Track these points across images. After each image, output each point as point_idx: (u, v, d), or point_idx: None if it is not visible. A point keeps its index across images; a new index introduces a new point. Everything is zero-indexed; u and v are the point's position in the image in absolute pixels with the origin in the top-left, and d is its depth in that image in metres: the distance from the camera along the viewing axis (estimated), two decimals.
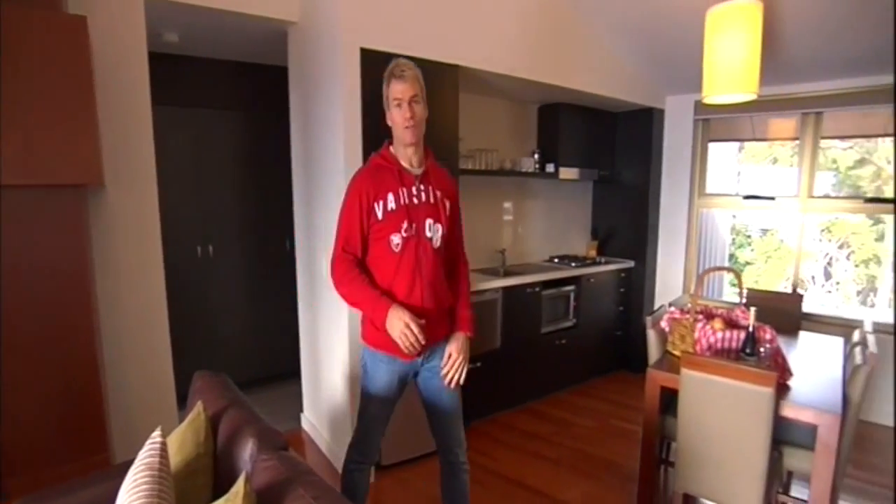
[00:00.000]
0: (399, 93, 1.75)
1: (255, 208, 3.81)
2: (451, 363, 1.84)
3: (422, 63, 2.66)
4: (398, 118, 1.75)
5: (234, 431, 1.45)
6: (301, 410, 3.39)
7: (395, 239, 1.77)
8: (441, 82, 2.81)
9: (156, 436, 1.26)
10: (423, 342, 1.71)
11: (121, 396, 2.33)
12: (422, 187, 1.82)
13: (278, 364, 3.93)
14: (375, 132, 2.58)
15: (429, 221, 1.81)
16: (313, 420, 3.23)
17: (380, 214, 1.77)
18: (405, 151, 1.81)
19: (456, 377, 1.85)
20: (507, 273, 3.63)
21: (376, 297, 1.73)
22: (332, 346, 2.82)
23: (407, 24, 2.65)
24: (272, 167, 3.73)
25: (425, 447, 2.99)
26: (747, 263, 8.47)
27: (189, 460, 1.41)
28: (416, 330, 1.68)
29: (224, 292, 3.74)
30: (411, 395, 2.81)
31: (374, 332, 1.83)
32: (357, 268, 1.79)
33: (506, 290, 3.41)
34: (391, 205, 1.77)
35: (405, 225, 1.77)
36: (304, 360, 3.30)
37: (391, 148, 1.86)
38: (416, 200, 1.80)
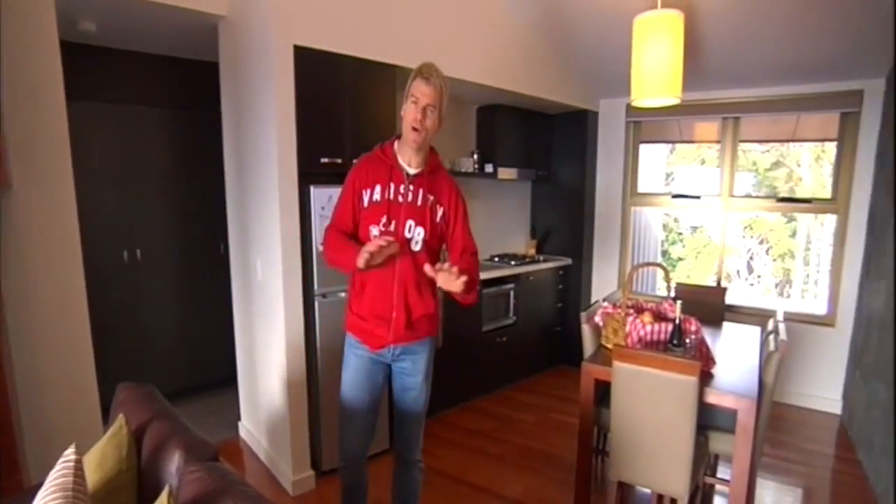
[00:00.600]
0: (419, 94, 1.76)
1: (186, 210, 3.64)
2: (451, 271, 1.69)
3: (358, 62, 2.67)
4: (409, 115, 1.77)
5: (160, 444, 1.38)
6: (238, 419, 3.28)
7: (374, 230, 1.80)
8: (378, 82, 2.80)
9: (69, 453, 1.18)
10: (384, 244, 1.65)
11: (37, 413, 2.16)
12: (410, 188, 1.83)
13: (213, 372, 3.77)
14: (310, 133, 2.54)
15: (410, 222, 1.82)
16: (251, 428, 3.12)
17: (365, 202, 1.82)
18: (407, 150, 1.83)
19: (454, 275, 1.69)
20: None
21: (351, 247, 1.74)
22: (270, 350, 2.74)
23: (343, 23, 2.61)
24: (205, 167, 3.57)
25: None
26: (679, 259, 8.92)
27: (110, 478, 1.33)
28: (380, 242, 1.64)
29: (154, 298, 3.55)
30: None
31: (349, 315, 1.91)
32: (342, 234, 1.83)
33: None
34: (376, 196, 1.81)
35: (384, 219, 1.80)
36: (240, 366, 3.19)
37: (396, 144, 1.88)
38: (400, 199, 1.82)
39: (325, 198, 2.60)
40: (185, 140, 3.59)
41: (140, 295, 3.48)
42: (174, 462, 1.30)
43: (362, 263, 1.65)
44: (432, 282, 1.83)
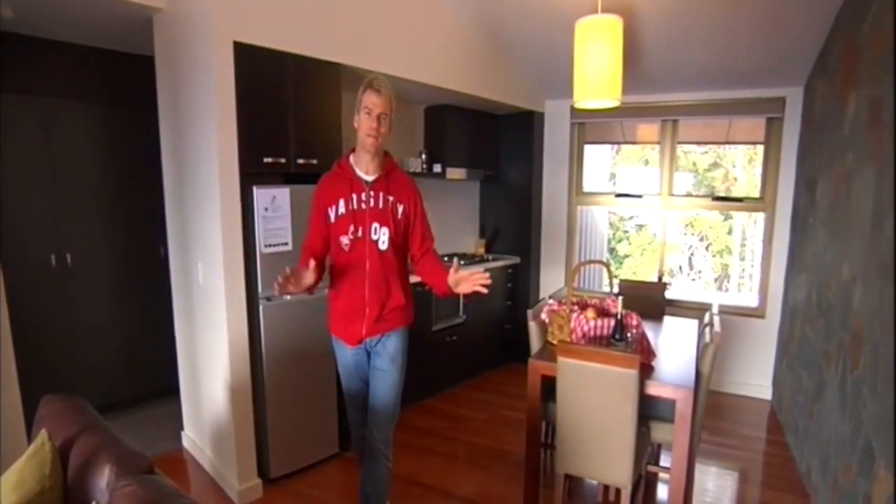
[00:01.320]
0: (371, 104, 1.90)
1: (123, 211, 3.46)
2: (476, 278, 1.90)
3: (302, 60, 2.62)
4: (365, 125, 1.91)
5: (88, 459, 1.31)
6: (181, 429, 3.15)
7: (344, 240, 1.99)
8: (323, 80, 2.75)
9: None
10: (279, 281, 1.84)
11: None
12: (371, 194, 1.99)
13: (154, 381, 3.61)
14: (252, 132, 2.47)
15: (375, 225, 1.99)
16: (195, 437, 3.01)
17: (332, 218, 2.00)
18: (364, 157, 1.98)
19: (474, 281, 1.91)
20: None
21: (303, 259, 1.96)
22: (213, 357, 2.64)
23: (285, 19, 2.55)
24: (143, 166, 3.39)
25: (318, 454, 2.92)
26: (626, 256, 9.23)
27: (30, 498, 1.25)
28: (281, 276, 1.83)
29: (87, 304, 3.35)
30: (291, 400, 2.74)
31: (331, 321, 2.13)
32: (304, 259, 2.00)
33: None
34: (341, 209, 1.98)
35: (351, 228, 1.98)
36: (182, 374, 3.06)
37: (352, 156, 2.03)
38: (363, 206, 1.98)
39: (268, 198, 2.54)
40: (120, 137, 3.40)
41: (71, 301, 3.28)
42: (104, 477, 1.24)
43: (276, 292, 1.88)
44: (402, 276, 2.08)
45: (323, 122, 2.78)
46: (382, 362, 2.09)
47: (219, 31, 2.31)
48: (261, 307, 2.57)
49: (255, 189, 2.50)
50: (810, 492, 2.66)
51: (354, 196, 1.98)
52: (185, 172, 2.69)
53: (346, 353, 2.12)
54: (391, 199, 2.01)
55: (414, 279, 2.29)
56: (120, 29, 2.85)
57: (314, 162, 2.74)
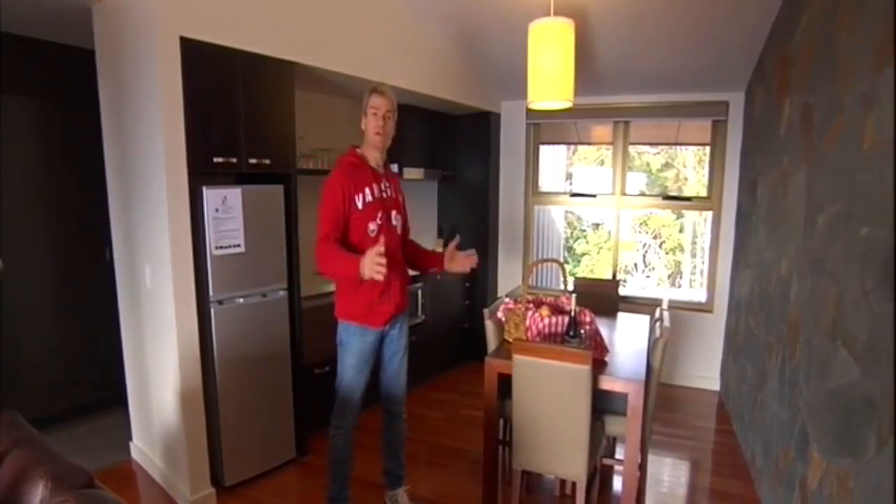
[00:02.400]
0: (377, 105, 2.12)
1: (63, 213, 3.29)
2: (462, 263, 2.30)
3: (253, 58, 2.56)
4: (372, 125, 2.13)
5: (20, 476, 1.24)
6: (130, 439, 3.02)
7: (371, 226, 2.14)
8: (276, 79, 2.70)
9: None
10: (384, 268, 1.89)
11: None
12: (386, 184, 2.22)
13: (99, 390, 3.45)
14: (201, 131, 2.40)
15: (394, 212, 2.24)
16: (144, 448, 2.90)
17: (360, 205, 2.12)
18: (373, 153, 2.20)
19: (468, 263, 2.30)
20: None
21: (350, 258, 1.98)
22: (162, 363, 2.55)
23: (236, 15, 2.49)
24: (86, 165, 3.23)
25: (274, 459, 2.86)
26: (584, 254, 9.42)
27: None
28: (379, 260, 1.87)
29: (23, 312, 3.16)
30: (245, 405, 2.68)
31: (346, 305, 2.20)
32: (336, 245, 2.05)
33: None
34: (368, 197, 2.13)
35: (380, 214, 2.16)
36: (130, 382, 2.94)
37: (358, 150, 2.21)
38: (384, 195, 2.20)
39: (219, 199, 2.47)
40: (59, 133, 3.24)
41: (2, 309, 3.09)
42: (37, 494, 1.18)
43: (367, 275, 1.89)
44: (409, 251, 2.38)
45: (276, 121, 2.72)
46: (400, 343, 2.35)
47: (164, 25, 2.23)
48: (213, 311, 2.50)
49: (204, 189, 2.42)
50: (755, 477, 2.79)
51: (376, 185, 2.17)
52: (130, 172, 2.58)
53: (364, 341, 2.22)
54: (395, 189, 2.29)
55: None
56: (56, 19, 2.71)
57: (267, 162, 2.68)
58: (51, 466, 1.23)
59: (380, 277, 1.87)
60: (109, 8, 2.47)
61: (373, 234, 2.14)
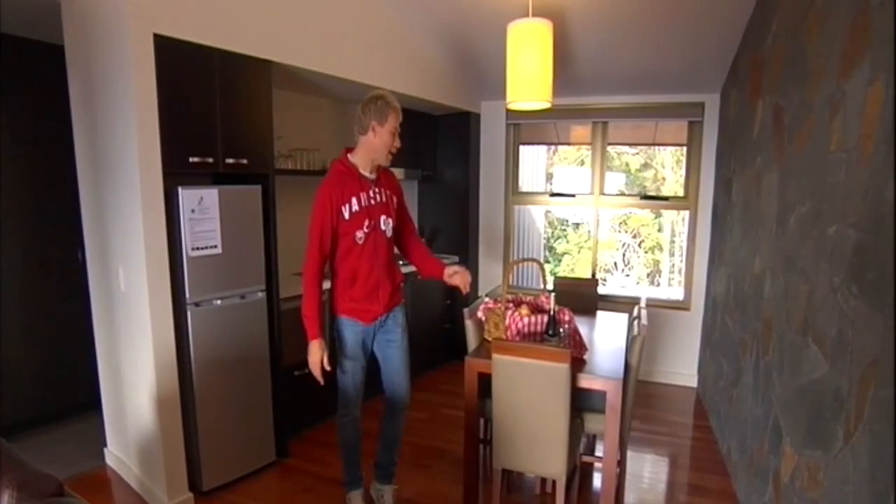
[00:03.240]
0: (395, 125, 2.19)
1: (34, 212, 3.21)
2: (462, 280, 2.42)
3: (229, 56, 2.53)
4: (388, 143, 2.20)
5: None
6: (104, 445, 2.96)
7: (359, 234, 2.21)
8: (253, 78, 2.66)
9: None
10: (320, 381, 2.23)
11: None
12: (377, 190, 2.27)
13: (72, 396, 3.38)
14: (177, 131, 2.36)
15: (383, 217, 2.29)
16: (119, 454, 2.84)
17: (346, 215, 2.18)
18: (370, 164, 2.25)
19: (467, 282, 2.42)
20: None
21: (312, 323, 2.19)
22: (137, 367, 2.51)
23: (212, 13, 2.45)
24: (57, 164, 3.16)
25: (253, 463, 2.83)
26: (565, 253, 9.50)
27: None
28: (318, 368, 2.20)
29: None
30: (223, 408, 2.64)
31: (339, 302, 2.32)
32: (318, 283, 2.20)
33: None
34: (355, 207, 2.20)
35: (367, 222, 2.22)
36: (104, 387, 2.88)
37: (349, 156, 2.25)
38: (373, 201, 2.25)
39: (195, 199, 2.43)
40: (27, 131, 3.15)
41: None
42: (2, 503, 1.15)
43: (310, 361, 2.22)
44: (397, 258, 2.43)
45: (254, 120, 2.69)
46: (394, 334, 2.40)
47: (136, 22, 2.18)
48: (189, 313, 2.46)
49: (180, 190, 2.39)
50: (731, 471, 2.85)
51: (364, 194, 2.22)
52: (103, 171, 2.53)
53: (357, 332, 2.32)
54: (388, 192, 2.33)
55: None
56: (23, 14, 2.64)
57: (244, 161, 2.65)
58: (17, 474, 1.20)
59: (316, 375, 2.23)
60: (79, 3, 2.42)
61: (360, 241, 2.22)
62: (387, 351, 2.42)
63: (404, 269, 3.95)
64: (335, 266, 2.28)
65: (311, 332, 2.19)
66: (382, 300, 2.32)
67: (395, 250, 2.45)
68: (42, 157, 3.21)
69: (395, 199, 2.37)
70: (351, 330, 2.32)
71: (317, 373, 2.21)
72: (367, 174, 2.26)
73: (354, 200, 2.19)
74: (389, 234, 2.34)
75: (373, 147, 2.20)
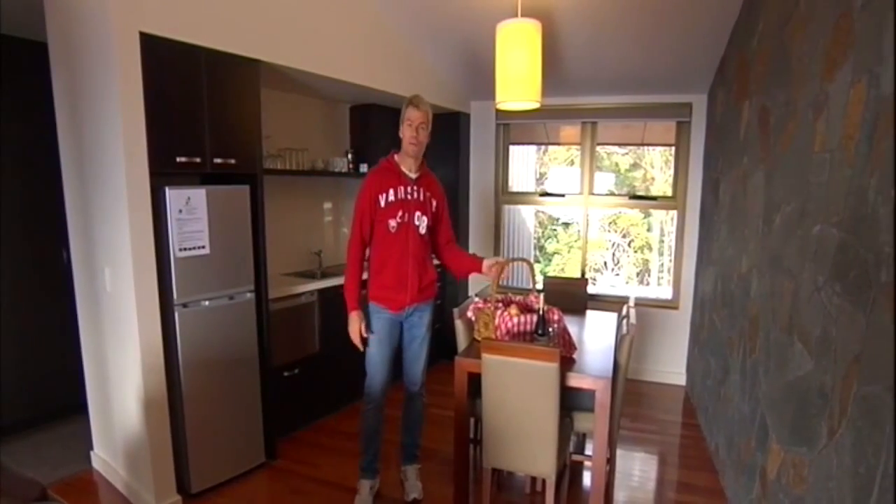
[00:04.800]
0: (412, 118, 2.34)
1: (18, 212, 3.16)
2: (499, 267, 2.46)
3: (217, 55, 2.51)
4: (407, 134, 2.36)
5: None
6: (91, 448, 2.92)
7: (392, 223, 2.39)
8: (241, 77, 2.65)
9: None
10: (360, 348, 2.46)
11: None
12: (415, 188, 2.43)
13: (57, 399, 3.33)
14: (163, 130, 2.34)
15: (417, 213, 2.44)
16: (106, 457, 2.81)
17: (382, 203, 2.39)
18: (407, 160, 2.42)
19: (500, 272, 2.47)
20: (325, 275, 3.57)
21: (351, 296, 2.42)
22: (124, 369, 2.48)
23: (199, 11, 2.43)
24: (41, 163, 3.12)
25: (243, 465, 2.81)
26: (555, 253, 9.53)
27: None
28: (357, 336, 2.42)
29: None
30: (212, 410, 2.62)
31: (373, 290, 2.47)
32: (358, 262, 2.43)
33: (323, 292, 3.35)
34: (391, 197, 2.39)
35: (399, 213, 2.40)
36: (90, 389, 2.84)
37: (396, 156, 2.45)
38: (409, 197, 2.42)
39: (182, 199, 2.41)
40: (10, 129, 3.10)
41: None
42: None
43: (350, 329, 2.44)
44: (431, 258, 2.55)
45: (241, 120, 2.68)
46: (420, 331, 2.55)
47: (121, 20, 2.16)
48: (176, 314, 2.44)
49: (167, 190, 2.36)
50: (719, 468, 2.87)
51: (402, 188, 2.40)
52: (89, 171, 2.50)
53: (383, 319, 2.47)
54: (428, 194, 2.47)
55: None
56: (5, 10, 2.60)
57: (232, 161, 2.63)
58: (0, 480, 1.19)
59: (356, 343, 2.43)
60: (62, 0, 2.39)
61: (393, 230, 2.40)
62: (410, 344, 2.57)
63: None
64: (371, 252, 2.48)
65: (350, 304, 2.42)
66: (410, 291, 2.44)
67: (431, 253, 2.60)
68: (26, 157, 3.16)
69: (434, 202, 2.50)
70: (378, 316, 2.47)
71: (356, 341, 2.42)
72: (407, 172, 2.43)
73: (392, 191, 2.39)
74: (423, 230, 2.45)
75: (403, 143, 2.39)
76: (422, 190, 2.46)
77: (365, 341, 2.45)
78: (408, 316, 2.51)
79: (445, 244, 2.63)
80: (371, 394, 2.54)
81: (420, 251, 2.46)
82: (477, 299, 2.73)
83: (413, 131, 2.35)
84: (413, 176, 2.45)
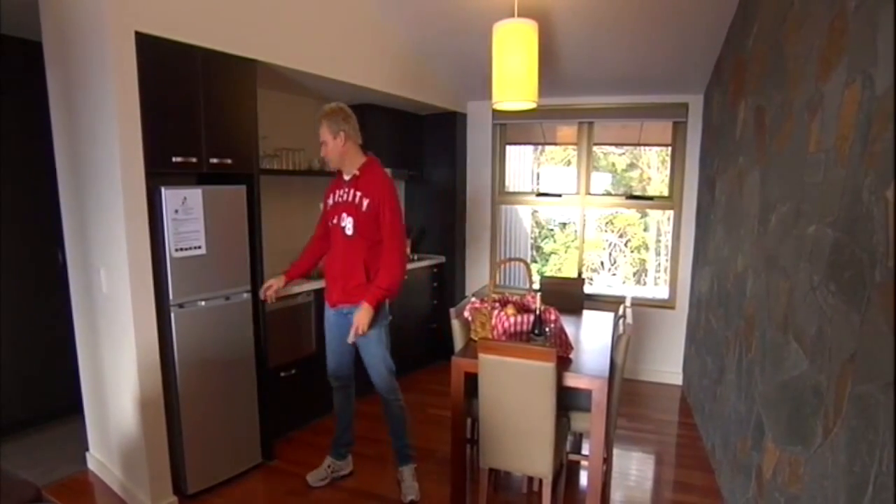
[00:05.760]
0: (320, 132, 2.50)
1: (13, 213, 3.14)
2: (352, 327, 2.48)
3: (213, 55, 2.51)
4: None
5: None
6: (87, 449, 2.92)
7: (331, 224, 2.59)
8: (237, 77, 2.64)
9: None
10: (263, 297, 2.72)
11: None
12: (348, 190, 2.52)
13: (53, 400, 3.32)
14: (159, 130, 2.33)
15: (343, 214, 2.51)
16: (102, 458, 2.80)
17: (328, 206, 2.62)
18: (341, 168, 2.58)
19: (352, 333, 2.46)
20: (322, 275, 3.55)
21: (290, 270, 2.78)
22: (120, 370, 2.47)
23: (195, 10, 2.42)
24: (36, 163, 3.09)
25: (239, 465, 2.80)
26: (552, 253, 9.54)
27: None
28: (265, 288, 2.70)
29: None
30: (208, 411, 2.61)
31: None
32: (309, 249, 2.81)
33: (319, 292, 3.34)
34: (331, 200, 2.61)
35: (334, 215, 2.56)
36: (86, 390, 2.84)
37: None
38: (340, 199, 2.55)
39: (178, 199, 2.41)
40: (4, 128, 3.08)
41: None
42: None
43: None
44: (366, 260, 2.51)
45: (238, 120, 2.67)
46: (363, 337, 2.54)
47: (117, 19, 2.15)
48: (172, 315, 2.44)
49: (163, 190, 2.36)
50: (715, 467, 2.88)
51: (339, 191, 2.56)
52: (84, 171, 2.49)
53: (328, 311, 2.65)
54: (359, 194, 2.48)
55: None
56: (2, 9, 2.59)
57: (229, 161, 2.63)
58: None
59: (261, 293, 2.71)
60: None
61: (332, 226, 2.59)
62: (362, 349, 2.61)
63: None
64: None
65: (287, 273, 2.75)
66: (334, 292, 2.58)
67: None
68: (20, 156, 3.14)
69: (365, 201, 2.47)
70: (326, 309, 2.67)
71: (262, 291, 2.70)
72: (344, 175, 2.57)
73: (332, 195, 2.60)
74: (349, 231, 2.49)
75: None
76: (353, 190, 2.49)
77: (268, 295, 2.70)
78: (347, 314, 2.55)
79: (371, 246, 2.51)
80: (332, 373, 2.73)
81: (345, 253, 2.51)
82: (474, 299, 2.73)
83: (322, 147, 2.52)
84: (347, 178, 2.55)
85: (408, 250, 4.73)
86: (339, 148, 2.49)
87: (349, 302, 2.53)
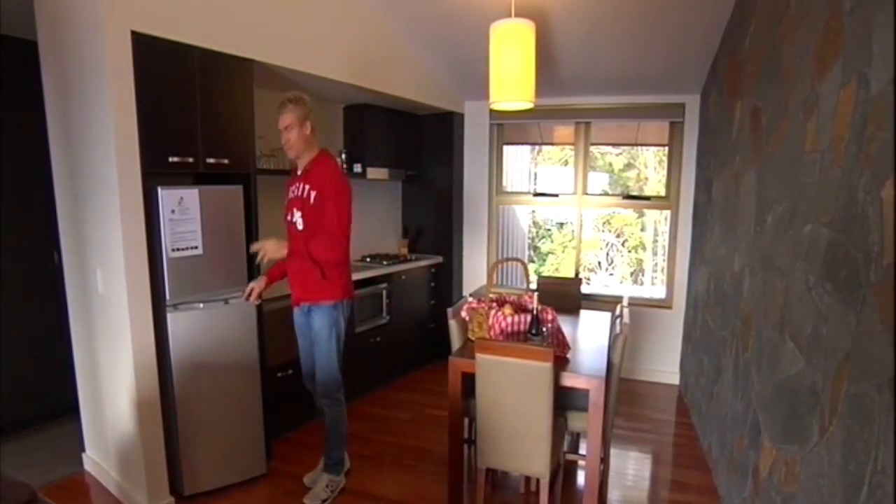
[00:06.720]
0: (279, 123, 2.42)
1: (8, 213, 3.13)
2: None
3: (210, 54, 2.50)
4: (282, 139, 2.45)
5: None
6: (83, 450, 2.90)
7: (286, 220, 2.55)
8: (234, 76, 2.63)
9: None
10: (245, 299, 2.59)
11: None
12: (299, 185, 2.48)
13: (49, 401, 3.30)
14: (156, 130, 2.32)
15: (294, 209, 2.49)
16: (98, 459, 2.79)
17: (286, 202, 2.57)
18: (297, 161, 2.52)
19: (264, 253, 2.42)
20: None
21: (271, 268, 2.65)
22: (116, 371, 2.46)
23: (192, 10, 2.42)
24: (31, 163, 3.09)
25: (241, 474, 2.77)
26: (549, 253, 9.56)
27: None
28: (247, 291, 2.57)
29: None
30: (206, 413, 2.60)
31: None
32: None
33: None
34: (287, 196, 2.56)
35: (287, 211, 2.54)
36: (81, 391, 2.83)
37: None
38: (293, 195, 2.51)
39: (175, 199, 2.40)
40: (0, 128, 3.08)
41: None
42: None
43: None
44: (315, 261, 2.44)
45: (235, 120, 2.67)
46: (314, 332, 2.56)
47: (113, 19, 2.14)
48: (169, 316, 2.43)
49: (160, 190, 2.35)
50: (712, 467, 2.89)
51: (293, 186, 2.52)
52: (80, 171, 2.48)
53: (294, 312, 2.63)
54: (307, 187, 2.44)
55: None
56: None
57: (225, 161, 2.62)
58: None
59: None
60: None
61: (288, 223, 2.56)
62: (314, 342, 2.58)
63: (389, 270, 4.00)
64: None
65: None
66: (295, 289, 2.57)
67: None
68: (15, 156, 3.13)
69: (313, 194, 2.42)
70: (294, 309, 2.64)
71: (244, 294, 2.58)
72: (298, 171, 2.53)
73: (289, 191, 2.57)
74: (300, 226, 2.46)
75: None
76: (303, 184, 2.46)
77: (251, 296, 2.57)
78: (308, 312, 2.55)
79: (314, 234, 2.43)
80: (303, 379, 2.74)
81: (299, 249, 2.40)
82: (471, 299, 2.73)
83: (282, 136, 2.42)
84: (299, 172, 2.52)
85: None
86: (305, 135, 2.43)
87: (309, 299, 2.52)
